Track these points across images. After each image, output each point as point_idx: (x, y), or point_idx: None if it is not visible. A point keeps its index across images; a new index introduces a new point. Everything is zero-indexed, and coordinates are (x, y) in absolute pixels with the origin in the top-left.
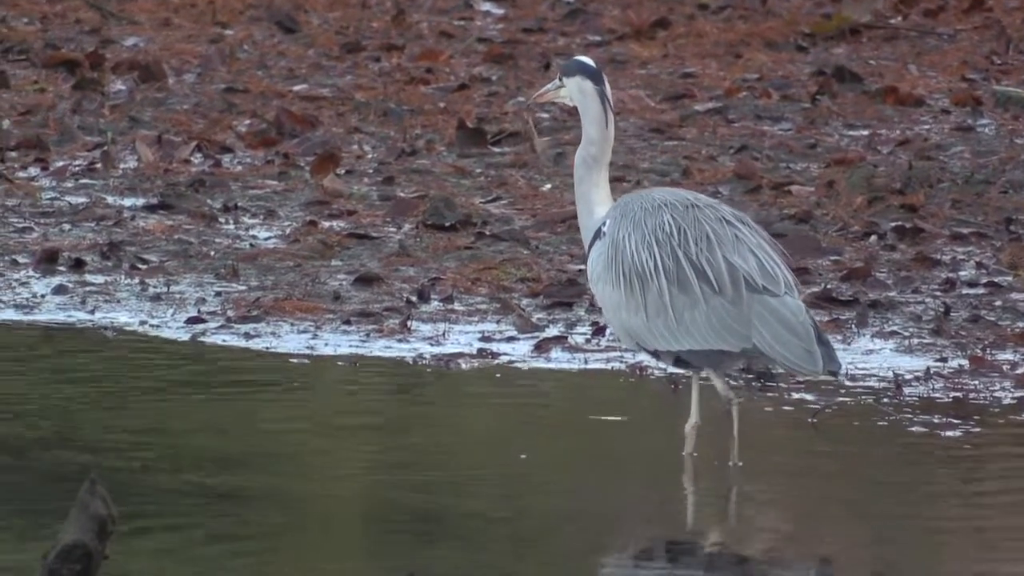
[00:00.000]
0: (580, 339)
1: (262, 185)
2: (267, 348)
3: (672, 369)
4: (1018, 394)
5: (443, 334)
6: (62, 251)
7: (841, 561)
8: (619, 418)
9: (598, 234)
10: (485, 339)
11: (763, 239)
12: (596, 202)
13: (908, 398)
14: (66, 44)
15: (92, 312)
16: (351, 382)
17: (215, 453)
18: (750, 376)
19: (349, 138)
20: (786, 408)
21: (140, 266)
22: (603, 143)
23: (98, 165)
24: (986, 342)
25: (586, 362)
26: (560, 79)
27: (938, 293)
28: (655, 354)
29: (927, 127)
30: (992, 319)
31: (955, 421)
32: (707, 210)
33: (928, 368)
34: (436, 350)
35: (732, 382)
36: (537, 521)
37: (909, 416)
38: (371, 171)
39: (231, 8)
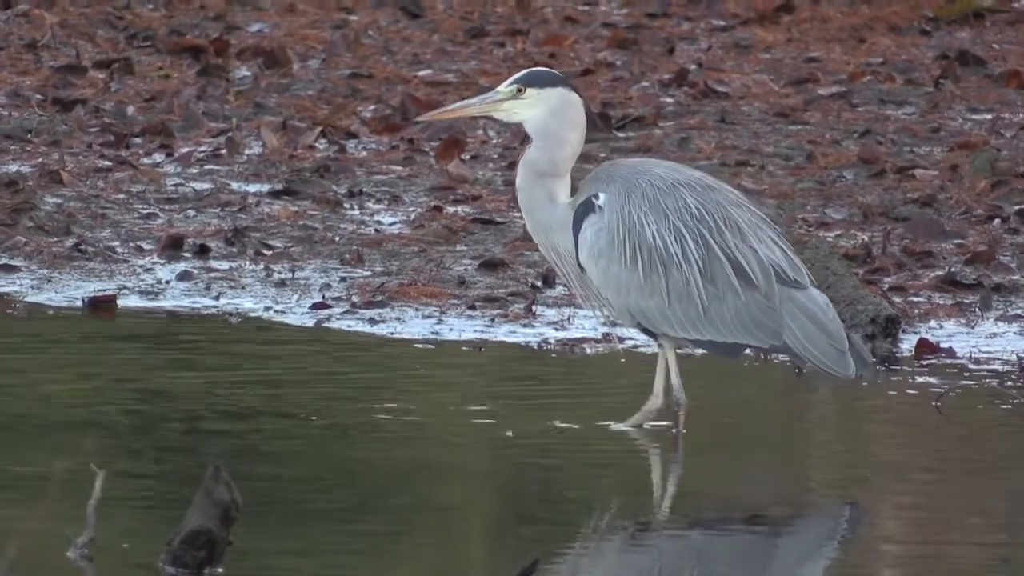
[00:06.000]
0: None
1: (387, 171)
2: (392, 333)
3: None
4: None
5: (567, 319)
6: (187, 237)
7: (968, 545)
8: (737, 401)
9: (589, 208)
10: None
11: (770, 225)
12: (559, 193)
13: None
14: (191, 30)
15: (217, 298)
16: (476, 367)
17: (340, 440)
18: (874, 360)
19: (474, 123)
20: (910, 392)
21: (265, 252)
22: (576, 151)
23: (223, 151)
24: None
25: None
26: (521, 90)
27: None
28: (653, 334)
29: None
30: None
31: None
32: (724, 192)
33: None
34: (561, 335)
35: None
36: (660, 508)
37: None
38: (495, 156)
39: None
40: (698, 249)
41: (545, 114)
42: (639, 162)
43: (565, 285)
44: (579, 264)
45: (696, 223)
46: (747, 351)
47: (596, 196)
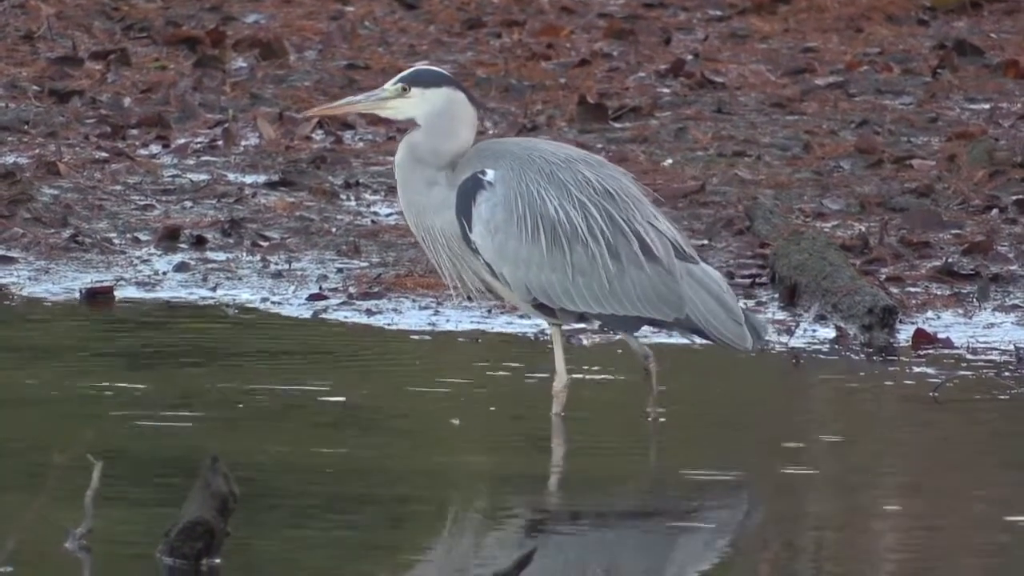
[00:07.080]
0: None
1: (383, 162)
2: (388, 324)
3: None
4: None
5: None
6: (183, 228)
7: (963, 536)
8: (740, 390)
9: (478, 184)
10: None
11: (655, 201)
12: (438, 179)
13: None
14: (187, 21)
15: (214, 289)
16: (474, 357)
17: (337, 431)
18: (871, 350)
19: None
20: (907, 382)
21: (261, 243)
22: (464, 146)
23: (219, 142)
24: None
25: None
26: (406, 89)
27: None
28: (550, 309)
29: None
30: None
31: None
32: (614, 168)
33: None
34: None
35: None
36: (652, 495)
37: None
38: None
39: None
40: (603, 223)
41: (430, 114)
42: (519, 139)
43: (434, 264)
44: (468, 240)
45: (600, 197)
46: (646, 326)
47: (483, 172)
